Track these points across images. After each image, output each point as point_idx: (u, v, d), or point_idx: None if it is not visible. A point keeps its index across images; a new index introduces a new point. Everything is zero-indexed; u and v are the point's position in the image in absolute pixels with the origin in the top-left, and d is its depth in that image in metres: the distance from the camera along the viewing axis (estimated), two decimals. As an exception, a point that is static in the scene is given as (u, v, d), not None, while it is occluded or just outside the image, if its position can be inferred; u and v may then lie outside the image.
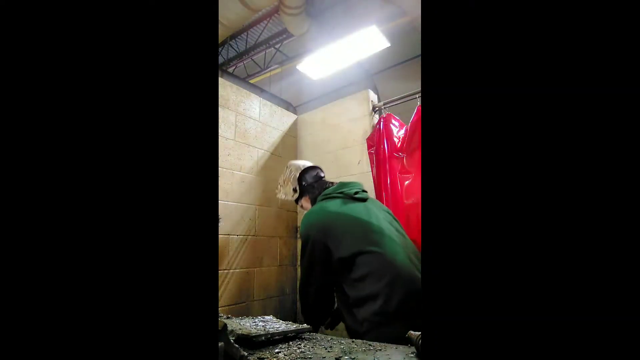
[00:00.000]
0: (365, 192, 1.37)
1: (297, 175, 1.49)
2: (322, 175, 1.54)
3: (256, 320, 0.84)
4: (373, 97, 2.18)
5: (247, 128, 1.95)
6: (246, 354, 0.57)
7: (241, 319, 0.88)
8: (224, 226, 1.72)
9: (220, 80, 1.86)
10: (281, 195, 1.56)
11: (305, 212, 1.40)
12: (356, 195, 1.30)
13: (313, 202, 1.43)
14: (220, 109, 1.78)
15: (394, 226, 1.23)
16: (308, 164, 1.55)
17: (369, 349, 0.66)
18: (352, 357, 0.60)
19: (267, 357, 0.60)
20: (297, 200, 1.53)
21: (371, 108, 2.12)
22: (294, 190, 1.50)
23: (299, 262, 2.34)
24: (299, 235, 1.31)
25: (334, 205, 1.27)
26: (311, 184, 1.48)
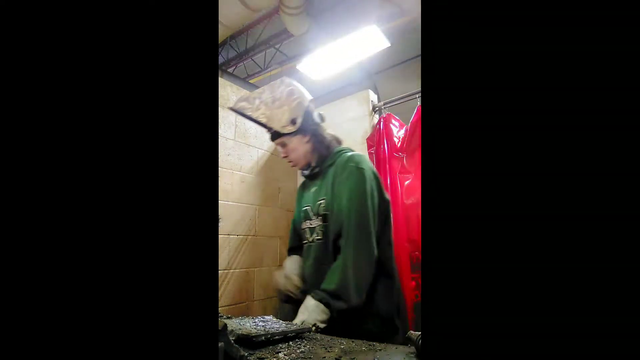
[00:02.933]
0: None
1: (306, 105, 1.05)
2: None
3: (256, 320, 0.84)
4: (373, 97, 2.19)
5: (247, 128, 1.95)
6: (246, 354, 0.57)
7: (241, 319, 0.88)
8: (224, 226, 1.72)
9: (220, 80, 1.86)
10: (258, 116, 1.03)
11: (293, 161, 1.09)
12: None
13: (322, 152, 1.08)
14: (220, 109, 1.78)
15: None
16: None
17: (369, 349, 0.66)
18: (352, 357, 0.60)
19: (267, 357, 0.60)
20: (278, 135, 1.05)
21: (371, 108, 2.12)
22: (293, 122, 1.02)
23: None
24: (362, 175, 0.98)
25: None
26: (321, 128, 1.10)
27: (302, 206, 1.16)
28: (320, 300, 0.89)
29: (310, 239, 1.08)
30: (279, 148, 1.12)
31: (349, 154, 1.07)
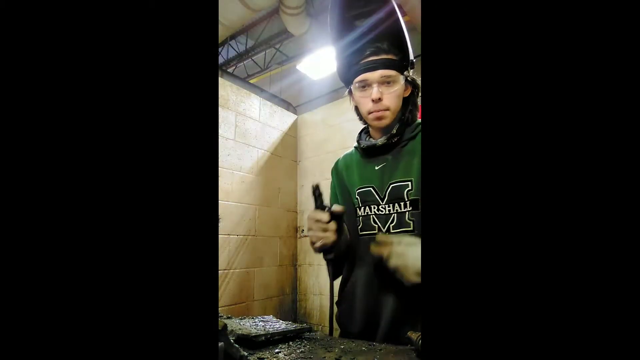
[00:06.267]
0: None
1: None
2: None
3: (256, 320, 0.84)
4: (373, 97, 2.18)
5: (247, 128, 1.96)
6: (246, 354, 0.57)
7: (241, 319, 0.88)
8: (224, 226, 1.72)
9: (220, 81, 1.86)
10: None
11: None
12: None
13: (407, 119, 0.87)
14: (220, 109, 1.79)
15: None
16: None
17: (369, 349, 0.66)
18: (352, 357, 0.61)
19: (267, 357, 0.60)
20: (393, 65, 0.81)
21: (371, 108, 2.12)
22: (412, 63, 0.83)
23: (299, 262, 2.33)
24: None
25: None
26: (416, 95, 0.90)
27: (355, 187, 0.90)
28: None
29: (384, 229, 0.83)
30: (375, 87, 0.82)
31: None
